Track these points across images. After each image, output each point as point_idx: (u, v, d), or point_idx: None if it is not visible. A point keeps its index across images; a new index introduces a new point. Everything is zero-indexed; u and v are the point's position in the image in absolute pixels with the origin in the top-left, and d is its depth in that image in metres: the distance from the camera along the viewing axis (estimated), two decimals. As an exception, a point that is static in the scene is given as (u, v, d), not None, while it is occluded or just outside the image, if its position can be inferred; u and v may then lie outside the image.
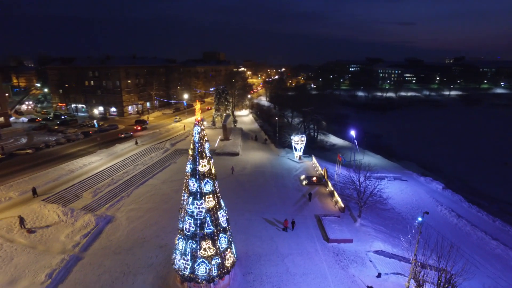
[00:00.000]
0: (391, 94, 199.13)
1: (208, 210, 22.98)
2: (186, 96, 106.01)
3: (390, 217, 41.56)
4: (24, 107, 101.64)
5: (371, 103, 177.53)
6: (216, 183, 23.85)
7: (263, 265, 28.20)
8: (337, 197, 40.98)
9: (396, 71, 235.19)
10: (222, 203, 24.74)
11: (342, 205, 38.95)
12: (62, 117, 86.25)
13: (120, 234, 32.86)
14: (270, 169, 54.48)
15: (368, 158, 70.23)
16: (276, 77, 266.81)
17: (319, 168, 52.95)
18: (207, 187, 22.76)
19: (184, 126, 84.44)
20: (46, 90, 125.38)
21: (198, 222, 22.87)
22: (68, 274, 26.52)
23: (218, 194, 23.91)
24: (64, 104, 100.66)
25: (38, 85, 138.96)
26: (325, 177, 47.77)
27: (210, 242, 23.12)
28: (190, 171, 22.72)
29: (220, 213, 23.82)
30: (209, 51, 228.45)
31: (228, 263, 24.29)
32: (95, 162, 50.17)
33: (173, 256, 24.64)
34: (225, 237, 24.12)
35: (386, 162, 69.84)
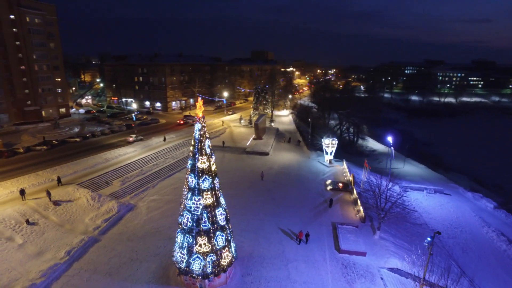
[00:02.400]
0: (450, 99, 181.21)
1: (206, 207, 23.08)
2: (225, 94, 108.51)
3: (419, 233, 37.72)
4: (84, 100, 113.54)
5: (425, 108, 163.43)
6: (216, 181, 23.79)
7: (264, 267, 27.55)
8: (359, 205, 38.42)
9: (459, 74, 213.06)
10: (222, 201, 24.63)
11: (364, 215, 36.40)
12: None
13: (138, 222, 34.75)
14: (297, 171, 53.18)
15: (409, 167, 64.88)
16: (326, 78, 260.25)
17: (348, 174, 50.23)
18: (205, 184, 22.86)
19: (223, 122, 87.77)
20: (101, 85, 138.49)
21: (195, 217, 23.13)
22: (84, 254, 28.80)
23: (217, 192, 23.84)
24: (116, 98, 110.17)
25: (98, 80, 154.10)
26: (352, 183, 45.12)
27: (206, 238, 23.24)
28: (189, 167, 23.07)
29: (218, 211, 23.75)
30: (257, 51, 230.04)
31: (224, 262, 24.17)
32: (130, 153, 53.90)
33: (173, 248, 25.32)
34: (222, 235, 23.99)
35: (429, 173, 63.76)
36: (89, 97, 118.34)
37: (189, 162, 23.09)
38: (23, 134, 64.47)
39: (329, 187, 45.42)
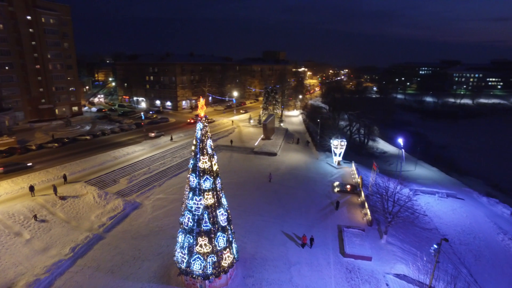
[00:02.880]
0: (466, 101, 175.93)
1: (206, 207, 22.87)
2: (235, 93, 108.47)
3: (429, 239, 36.50)
4: (96, 99, 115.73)
5: (440, 110, 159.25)
6: (218, 181, 23.53)
7: (267, 270, 27.13)
8: (367, 208, 37.48)
9: (477, 75, 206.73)
10: (224, 202, 24.34)
11: (371, 218, 35.49)
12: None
13: (142, 220, 34.92)
14: (304, 172, 52.51)
15: (421, 170, 63.20)
16: (338, 78, 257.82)
17: (357, 176, 49.23)
18: (206, 184, 22.65)
19: (232, 121, 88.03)
20: (113, 84, 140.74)
21: (196, 218, 22.96)
22: (89, 251, 29.08)
23: (218, 192, 23.57)
24: (128, 97, 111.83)
25: (111, 79, 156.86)
26: (360, 185, 44.15)
27: (207, 239, 23.02)
28: (191, 167, 22.92)
29: (219, 212, 23.49)
30: (269, 50, 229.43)
31: (225, 263, 23.90)
32: (138, 151, 54.38)
33: (175, 248, 25.22)
34: (223, 236, 23.74)
35: (442, 176, 61.93)
36: (102, 96, 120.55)
37: (191, 161, 22.97)
38: (37, 131, 66.07)
39: (336, 189, 44.61)
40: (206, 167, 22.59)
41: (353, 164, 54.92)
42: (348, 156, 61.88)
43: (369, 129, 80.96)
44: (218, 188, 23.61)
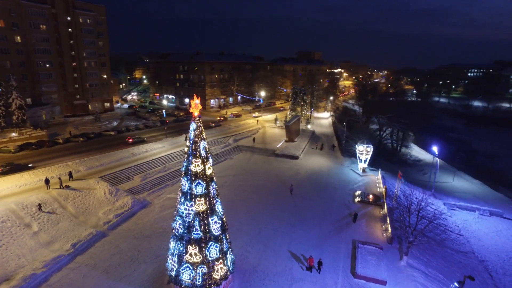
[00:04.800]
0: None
1: (198, 214, 21.21)
2: (263, 93, 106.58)
3: (462, 264, 31.79)
4: (129, 96, 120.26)
5: (491, 115, 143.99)
6: (212, 186, 21.76)
7: (265, 285, 24.87)
8: (388, 223, 33.54)
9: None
10: (218, 209, 22.50)
11: (391, 235, 31.60)
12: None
13: (148, 220, 34.27)
14: (325, 178, 49.17)
15: (460, 182, 56.63)
16: (375, 80, 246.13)
17: (382, 185, 44.91)
18: (198, 189, 20.98)
19: (257, 121, 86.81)
20: (145, 81, 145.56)
21: (186, 224, 21.43)
22: (89, 248, 28.83)
23: (212, 198, 21.78)
24: (158, 94, 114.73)
25: (144, 77, 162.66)
26: (384, 196, 39.99)
27: (197, 248, 21.33)
28: (183, 170, 21.43)
29: (212, 219, 21.68)
30: (303, 50, 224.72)
31: (217, 275, 22.05)
32: (156, 149, 54.41)
33: (167, 254, 23.90)
34: (216, 246, 21.88)
35: (486, 191, 54.88)
36: (135, 93, 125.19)
37: (183, 164, 21.49)
38: (69, 126, 69.27)
39: (357, 199, 40.86)
40: (198, 170, 20.92)
41: (379, 172, 50.41)
42: (377, 163, 57.28)
43: (403, 134, 74.73)
44: (212, 194, 21.83)
